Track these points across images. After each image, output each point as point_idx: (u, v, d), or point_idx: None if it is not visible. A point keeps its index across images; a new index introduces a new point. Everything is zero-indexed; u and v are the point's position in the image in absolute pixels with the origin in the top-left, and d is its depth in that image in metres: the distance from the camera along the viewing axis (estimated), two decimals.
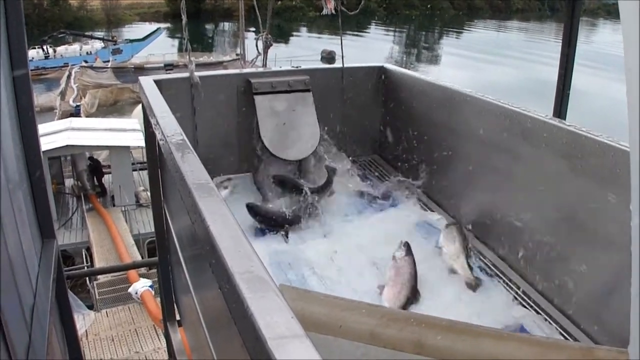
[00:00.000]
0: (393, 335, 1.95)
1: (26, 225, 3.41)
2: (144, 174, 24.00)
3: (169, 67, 40.96)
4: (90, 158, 23.98)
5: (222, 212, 1.62)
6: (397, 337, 1.94)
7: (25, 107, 3.62)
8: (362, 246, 3.65)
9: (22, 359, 2.67)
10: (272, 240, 3.79)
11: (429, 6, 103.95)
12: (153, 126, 2.91)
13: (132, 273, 15.75)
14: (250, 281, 1.25)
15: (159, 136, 2.65)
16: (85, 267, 18.71)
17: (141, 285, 14.51)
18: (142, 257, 18.55)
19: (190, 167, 1.98)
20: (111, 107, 40.19)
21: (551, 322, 2.93)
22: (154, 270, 14.86)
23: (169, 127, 2.55)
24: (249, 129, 4.37)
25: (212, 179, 1.90)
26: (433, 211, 4.08)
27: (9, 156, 3.14)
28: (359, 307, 2.00)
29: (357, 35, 72.97)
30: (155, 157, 3.80)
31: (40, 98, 35.33)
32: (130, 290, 14.82)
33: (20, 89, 3.59)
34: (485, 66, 57.67)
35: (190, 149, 2.19)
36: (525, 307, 3.06)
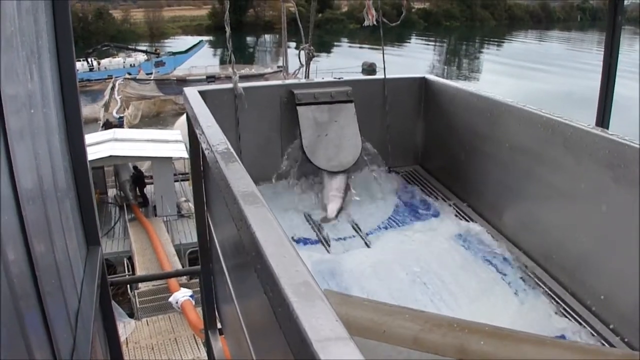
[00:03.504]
0: (436, 340, 1.95)
1: (72, 232, 3.49)
2: (186, 184, 24.32)
3: (211, 79, 41.44)
4: (135, 168, 24.34)
5: (268, 219, 1.65)
6: (440, 342, 1.94)
7: (73, 119, 3.72)
8: (403, 256, 3.64)
9: None
10: (314, 249, 3.80)
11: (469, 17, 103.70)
12: (198, 136, 2.96)
13: (173, 282, 15.93)
14: (295, 286, 1.28)
15: (203, 145, 2.69)
16: (127, 276, 18.97)
17: (182, 295, 14.66)
18: (183, 267, 18.73)
19: (236, 175, 2.02)
20: (154, 119, 40.80)
21: (593, 333, 2.89)
22: (195, 281, 15.00)
23: (214, 136, 2.59)
24: (291, 140, 4.40)
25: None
26: (475, 221, 4.05)
27: (58, 166, 3.23)
28: (402, 313, 2.01)
29: (398, 46, 72.86)
30: (199, 167, 3.86)
31: (85, 109, 35.88)
32: (170, 299, 14.98)
33: (69, 101, 3.68)
34: (526, 77, 57.10)
35: (235, 157, 2.22)
36: (567, 318, 3.03)
